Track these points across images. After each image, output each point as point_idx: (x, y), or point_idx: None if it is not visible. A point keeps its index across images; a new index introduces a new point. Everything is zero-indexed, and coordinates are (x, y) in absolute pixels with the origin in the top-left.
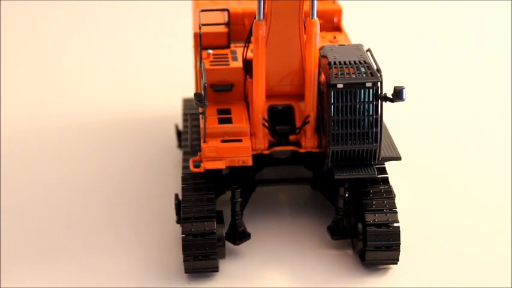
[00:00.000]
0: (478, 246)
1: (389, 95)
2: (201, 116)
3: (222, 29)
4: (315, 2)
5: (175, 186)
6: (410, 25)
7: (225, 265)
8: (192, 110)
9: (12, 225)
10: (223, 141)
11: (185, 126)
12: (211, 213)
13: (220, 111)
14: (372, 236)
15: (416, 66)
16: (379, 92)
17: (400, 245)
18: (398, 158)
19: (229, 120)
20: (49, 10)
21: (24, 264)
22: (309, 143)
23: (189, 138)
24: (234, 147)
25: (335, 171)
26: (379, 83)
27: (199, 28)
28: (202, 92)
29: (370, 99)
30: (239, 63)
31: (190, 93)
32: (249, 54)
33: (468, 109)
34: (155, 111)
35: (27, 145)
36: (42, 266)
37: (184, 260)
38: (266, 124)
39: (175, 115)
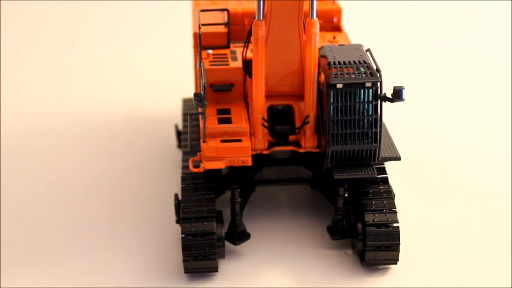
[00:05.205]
0: (478, 246)
1: (389, 95)
2: (200, 116)
3: (222, 29)
4: (315, 2)
5: (175, 186)
6: (410, 25)
7: (224, 265)
8: (192, 110)
9: (12, 225)
10: (222, 141)
11: (185, 126)
12: (210, 213)
13: (219, 111)
14: (372, 236)
15: (416, 66)
16: (379, 92)
17: (400, 245)
18: (398, 158)
19: (228, 120)
20: (49, 10)
21: (24, 264)
22: (308, 143)
23: (188, 138)
24: (234, 147)
25: (334, 171)
26: (378, 83)
27: (199, 28)
28: (202, 92)
29: (370, 99)
30: (239, 63)
31: (190, 93)
32: (249, 54)
33: (468, 109)
34: (155, 111)
35: (27, 145)
36: (42, 266)
37: (184, 260)
38: (266, 124)
39: (175, 115)
